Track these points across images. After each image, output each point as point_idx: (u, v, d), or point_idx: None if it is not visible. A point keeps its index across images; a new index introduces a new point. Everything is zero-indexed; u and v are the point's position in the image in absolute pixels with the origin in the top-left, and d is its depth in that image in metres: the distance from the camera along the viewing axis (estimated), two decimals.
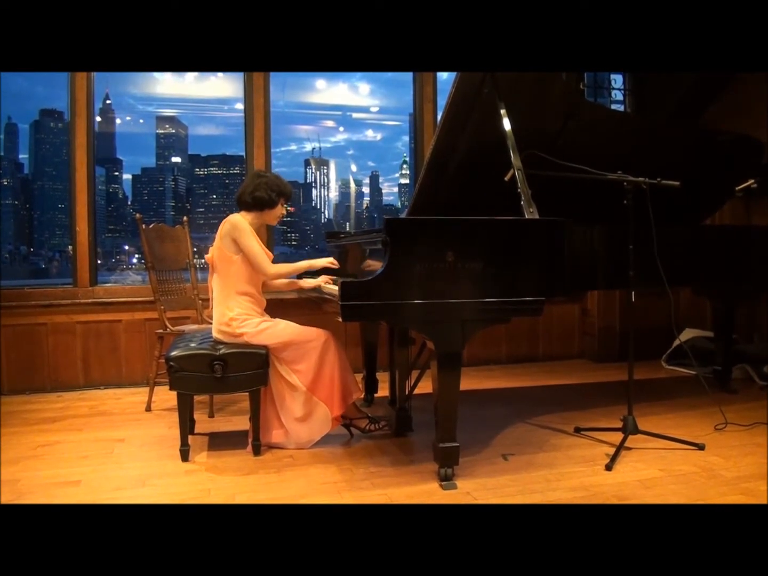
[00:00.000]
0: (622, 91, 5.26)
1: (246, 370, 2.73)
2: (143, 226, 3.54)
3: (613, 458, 2.59)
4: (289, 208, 3.04)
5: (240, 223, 2.81)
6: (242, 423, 3.14)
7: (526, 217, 2.45)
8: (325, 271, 3.07)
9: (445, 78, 4.90)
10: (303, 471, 2.58)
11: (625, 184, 2.70)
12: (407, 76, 4.95)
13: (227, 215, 2.90)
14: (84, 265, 4.21)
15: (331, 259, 3.01)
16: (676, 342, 4.51)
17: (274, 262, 2.96)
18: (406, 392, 2.98)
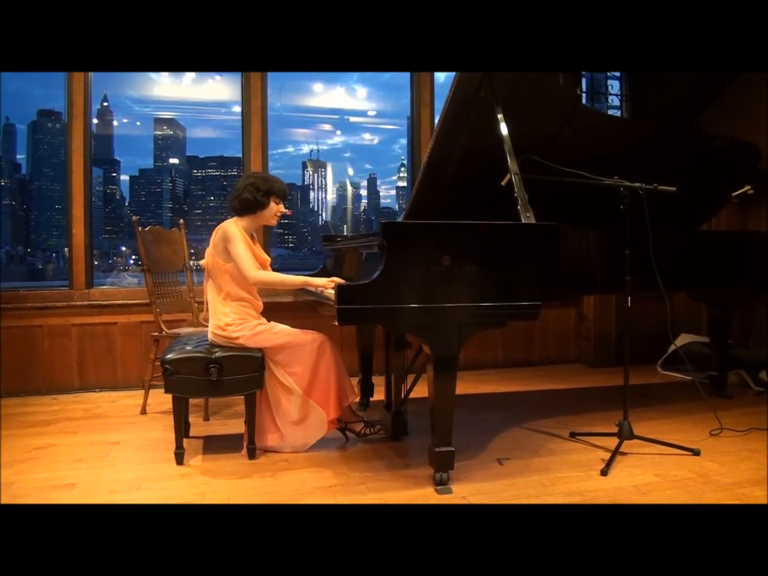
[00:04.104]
0: (619, 97, 5.27)
1: (241, 374, 2.72)
2: (140, 228, 3.53)
3: (609, 463, 2.58)
4: (286, 211, 3.01)
5: (229, 230, 2.79)
6: (237, 426, 3.14)
7: (523, 221, 2.45)
8: (324, 273, 3.06)
9: (442, 81, 4.92)
10: (298, 474, 2.57)
11: (621, 189, 2.70)
12: (404, 80, 4.96)
13: (224, 217, 2.89)
14: (80, 267, 4.21)
15: (328, 280, 2.74)
16: (672, 347, 4.52)
17: (271, 264, 2.95)
18: (402, 396, 2.98)
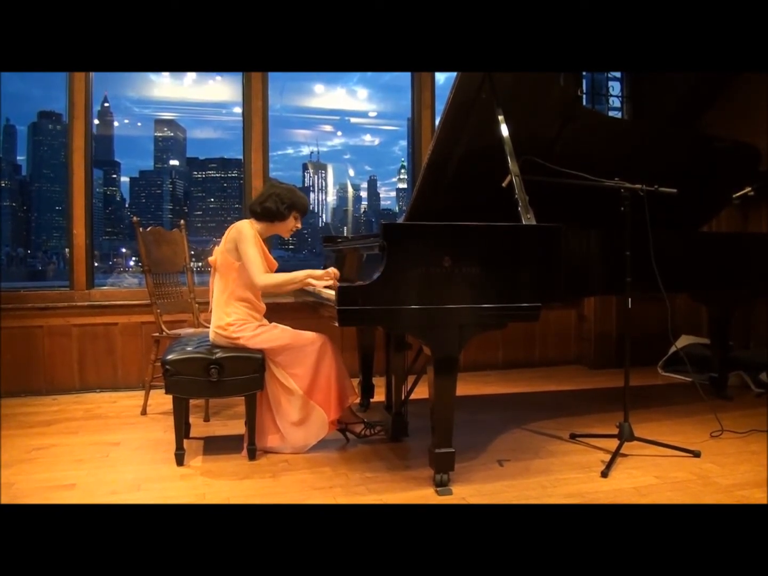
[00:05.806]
0: (620, 98, 5.27)
1: (242, 374, 2.72)
2: (140, 229, 3.53)
3: (609, 465, 2.58)
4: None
5: (244, 229, 2.80)
6: (238, 427, 3.14)
7: (523, 222, 2.45)
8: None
9: (443, 83, 4.92)
10: (298, 476, 2.57)
11: (622, 190, 2.70)
12: (405, 81, 4.96)
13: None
14: (81, 267, 4.21)
15: (325, 272, 2.82)
16: (673, 348, 4.52)
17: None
18: (403, 397, 2.98)
